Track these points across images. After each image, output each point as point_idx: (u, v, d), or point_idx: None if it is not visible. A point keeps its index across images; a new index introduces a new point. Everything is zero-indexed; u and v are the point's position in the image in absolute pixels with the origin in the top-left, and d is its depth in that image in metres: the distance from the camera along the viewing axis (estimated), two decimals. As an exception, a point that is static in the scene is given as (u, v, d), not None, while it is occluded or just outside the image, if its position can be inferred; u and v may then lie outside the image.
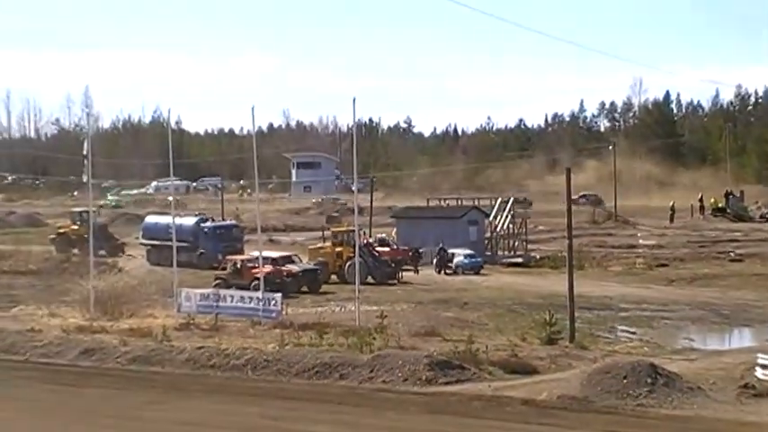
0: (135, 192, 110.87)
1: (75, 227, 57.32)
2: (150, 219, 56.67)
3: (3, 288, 43.11)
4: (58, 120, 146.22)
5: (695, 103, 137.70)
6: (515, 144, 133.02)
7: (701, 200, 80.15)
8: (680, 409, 21.47)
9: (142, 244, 54.96)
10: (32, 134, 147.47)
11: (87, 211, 49.41)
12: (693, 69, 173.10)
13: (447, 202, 66.08)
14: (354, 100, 33.05)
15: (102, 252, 51.09)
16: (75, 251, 53.55)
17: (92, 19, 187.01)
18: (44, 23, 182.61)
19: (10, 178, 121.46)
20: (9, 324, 32.89)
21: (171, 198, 60.81)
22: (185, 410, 22.76)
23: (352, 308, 32.51)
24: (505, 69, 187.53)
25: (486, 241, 55.51)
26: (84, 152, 39.68)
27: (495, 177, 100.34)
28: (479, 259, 50.77)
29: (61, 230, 59.17)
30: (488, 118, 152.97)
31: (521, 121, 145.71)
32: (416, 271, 48.42)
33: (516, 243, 56.59)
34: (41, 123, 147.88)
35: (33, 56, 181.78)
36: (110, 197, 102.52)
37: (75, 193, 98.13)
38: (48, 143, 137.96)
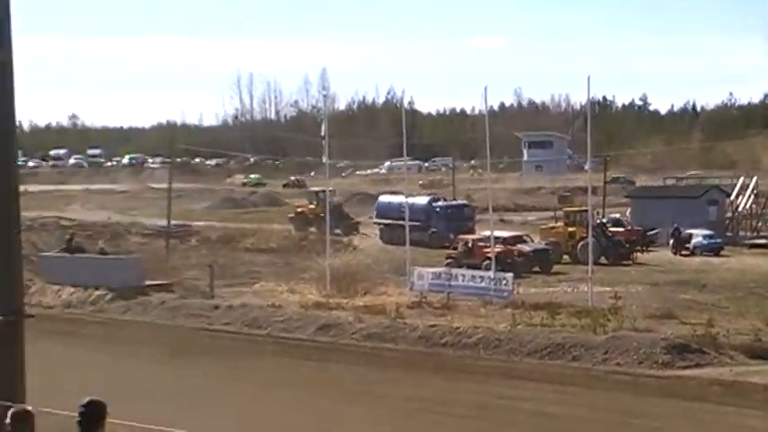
0: (368, 172, 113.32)
1: (313, 206, 59.19)
2: (383, 198, 57.73)
3: (246, 265, 44.97)
4: (296, 102, 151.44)
5: None
6: (759, 120, 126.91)
7: None
8: None
9: (376, 223, 56.17)
10: (273, 116, 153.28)
11: (324, 191, 50.89)
12: None
13: (685, 181, 63.91)
14: (589, 78, 32.65)
15: (338, 231, 52.28)
16: (313, 230, 55.05)
17: (328, 5, 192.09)
18: (285, 11, 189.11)
19: (252, 159, 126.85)
20: (252, 299, 34.37)
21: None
22: (419, 387, 23.12)
23: (585, 288, 31.97)
24: (750, 43, 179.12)
25: (727, 222, 53.41)
26: (322, 133, 40.95)
27: (736, 155, 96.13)
28: (719, 240, 48.86)
29: (299, 210, 61.19)
30: (730, 94, 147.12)
31: (766, 96, 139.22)
32: (643, 251, 47.01)
33: (760, 224, 54.11)
34: (281, 106, 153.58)
35: (274, 42, 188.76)
36: (251, 176, 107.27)
37: (313, 174, 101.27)
38: (287, 125, 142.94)
